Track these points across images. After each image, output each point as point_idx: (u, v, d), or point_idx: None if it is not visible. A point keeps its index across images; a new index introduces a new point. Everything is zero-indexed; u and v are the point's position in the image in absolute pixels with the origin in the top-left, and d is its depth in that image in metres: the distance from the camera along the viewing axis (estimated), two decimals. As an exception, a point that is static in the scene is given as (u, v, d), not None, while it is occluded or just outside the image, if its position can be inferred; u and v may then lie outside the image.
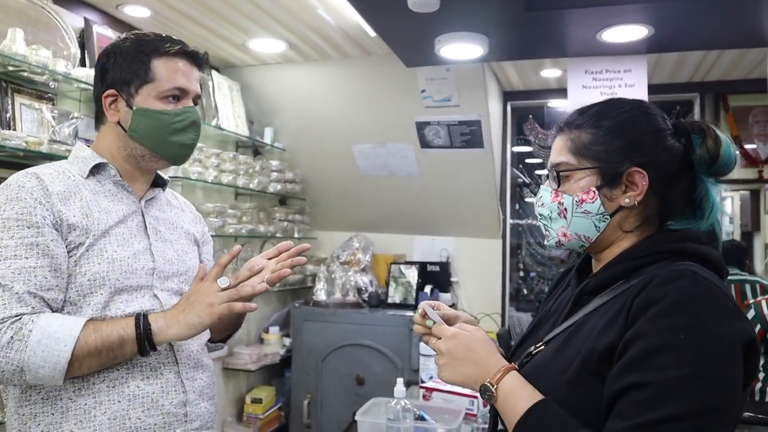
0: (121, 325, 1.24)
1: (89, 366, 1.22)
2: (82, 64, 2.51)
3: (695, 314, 0.88)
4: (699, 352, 0.87)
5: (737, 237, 4.62)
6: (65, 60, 2.30)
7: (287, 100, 3.76)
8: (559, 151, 1.10)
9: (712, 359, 0.87)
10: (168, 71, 1.37)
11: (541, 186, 1.15)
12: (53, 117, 2.25)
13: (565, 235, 1.10)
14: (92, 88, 1.45)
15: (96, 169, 1.38)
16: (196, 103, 1.46)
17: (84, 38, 2.58)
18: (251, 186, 3.52)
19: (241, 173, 3.45)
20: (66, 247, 1.26)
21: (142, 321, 1.25)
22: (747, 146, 3.81)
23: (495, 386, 1.01)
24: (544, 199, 1.12)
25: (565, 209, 1.08)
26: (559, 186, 1.09)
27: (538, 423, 0.96)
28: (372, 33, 2.69)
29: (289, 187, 3.91)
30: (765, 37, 2.60)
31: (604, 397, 0.92)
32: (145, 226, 1.41)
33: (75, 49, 2.45)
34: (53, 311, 1.23)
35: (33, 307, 1.19)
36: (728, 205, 5.52)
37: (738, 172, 3.85)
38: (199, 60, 1.44)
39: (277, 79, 3.65)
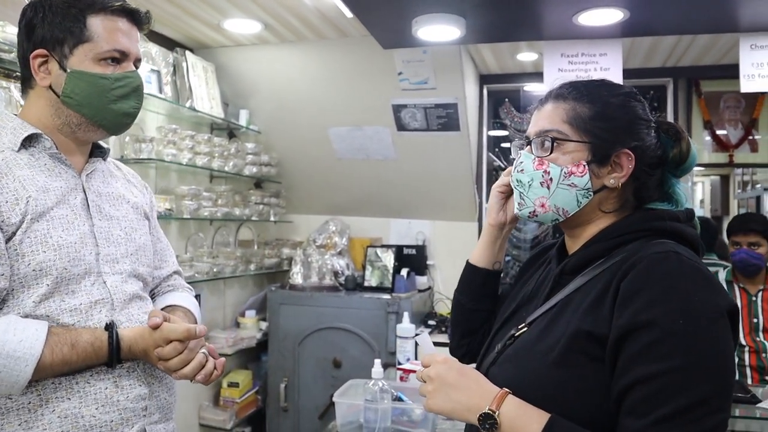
0: (90, 337, 1.18)
1: (51, 375, 1.16)
2: (52, 42, 2.45)
3: (688, 298, 0.89)
4: (699, 335, 0.87)
5: (707, 221, 4.70)
6: (34, 38, 2.24)
7: (263, 82, 3.72)
8: (551, 118, 1.08)
9: (712, 340, 0.88)
10: (107, 31, 1.24)
11: (522, 152, 1.12)
12: (22, 96, 2.20)
13: (543, 206, 1.08)
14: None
15: (28, 141, 1.23)
16: (137, 68, 1.32)
17: (53, 16, 2.51)
18: (226, 169, 3.48)
19: (216, 156, 3.41)
20: (3, 233, 1.14)
21: (114, 334, 1.20)
22: (718, 131, 3.87)
23: (497, 412, 0.94)
24: (526, 165, 1.09)
25: (551, 179, 1.06)
26: (549, 154, 1.06)
27: None
28: (349, 14, 2.66)
29: (265, 170, 3.88)
30: (736, 22, 2.64)
31: (612, 393, 0.92)
32: (88, 205, 1.28)
33: (44, 27, 2.38)
34: None
35: None
36: (699, 189, 5.63)
37: (709, 157, 3.92)
38: (140, 19, 1.31)
39: (253, 60, 3.61)
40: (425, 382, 1.04)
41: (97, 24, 1.23)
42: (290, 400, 3.58)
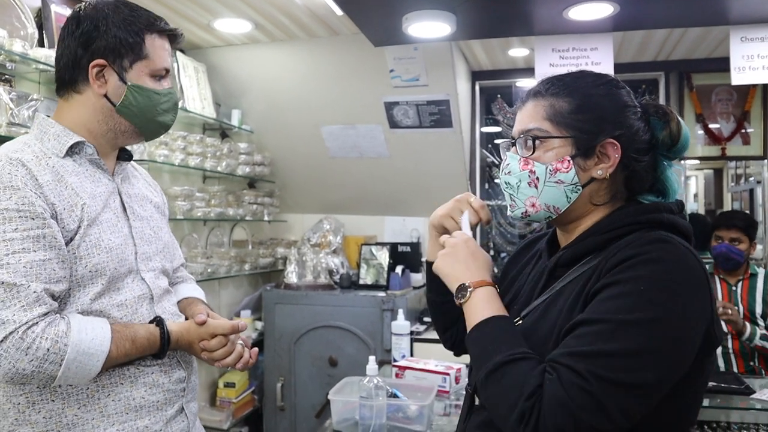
0: (146, 333, 1.30)
1: (113, 366, 1.27)
2: (41, 44, 2.44)
3: (663, 271, 0.90)
4: (656, 302, 0.88)
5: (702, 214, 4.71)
6: (22, 40, 2.23)
7: (254, 82, 3.71)
8: (532, 117, 1.08)
9: (667, 310, 0.88)
10: (158, 49, 1.36)
11: (508, 153, 1.12)
12: (11, 99, 2.19)
13: (533, 205, 1.08)
14: (55, 64, 1.35)
15: (71, 148, 1.30)
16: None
17: (41, 18, 2.50)
18: (219, 169, 3.47)
19: (209, 156, 3.40)
20: (64, 239, 1.23)
21: (165, 329, 1.33)
22: (710, 125, 3.88)
23: (472, 288, 1.07)
24: (512, 167, 1.09)
25: (537, 178, 1.06)
26: (532, 153, 1.06)
27: (492, 330, 1.02)
28: (339, 12, 2.66)
29: (258, 169, 3.87)
30: (726, 15, 2.64)
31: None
32: (124, 207, 1.38)
33: (32, 29, 2.37)
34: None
35: (49, 305, 1.17)
36: (693, 183, 5.63)
37: (702, 150, 3.93)
38: (176, 40, 1.44)
39: (244, 60, 3.60)
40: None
41: (152, 42, 1.34)
42: (287, 399, 3.58)
